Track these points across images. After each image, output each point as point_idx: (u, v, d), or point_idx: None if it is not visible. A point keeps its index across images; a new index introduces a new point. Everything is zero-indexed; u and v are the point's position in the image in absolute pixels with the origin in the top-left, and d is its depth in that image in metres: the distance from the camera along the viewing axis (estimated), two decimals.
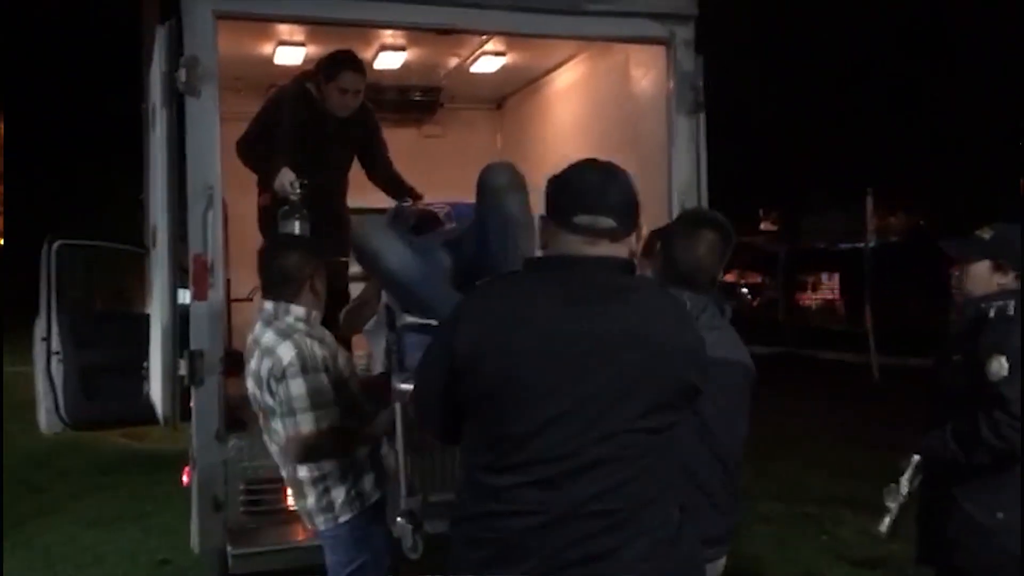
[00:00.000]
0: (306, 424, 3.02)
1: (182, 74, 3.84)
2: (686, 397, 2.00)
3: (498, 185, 3.26)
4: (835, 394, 12.19)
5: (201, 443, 3.90)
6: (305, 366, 3.02)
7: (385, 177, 5.21)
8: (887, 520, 3.01)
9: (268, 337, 3.10)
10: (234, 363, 4.28)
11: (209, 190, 3.88)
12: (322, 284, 3.27)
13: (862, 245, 14.89)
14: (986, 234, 3.06)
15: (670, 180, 4.52)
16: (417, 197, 4.98)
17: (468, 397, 1.94)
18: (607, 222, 1.97)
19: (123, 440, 8.72)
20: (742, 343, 2.77)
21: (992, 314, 2.88)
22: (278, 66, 5.58)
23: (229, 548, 3.83)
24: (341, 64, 4.76)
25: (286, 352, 3.02)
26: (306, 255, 3.24)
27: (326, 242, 4.49)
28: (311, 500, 3.16)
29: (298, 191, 4.35)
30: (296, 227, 4.30)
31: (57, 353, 6.28)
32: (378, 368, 3.64)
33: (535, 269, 2.09)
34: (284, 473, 3.28)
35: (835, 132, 18.88)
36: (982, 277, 3.02)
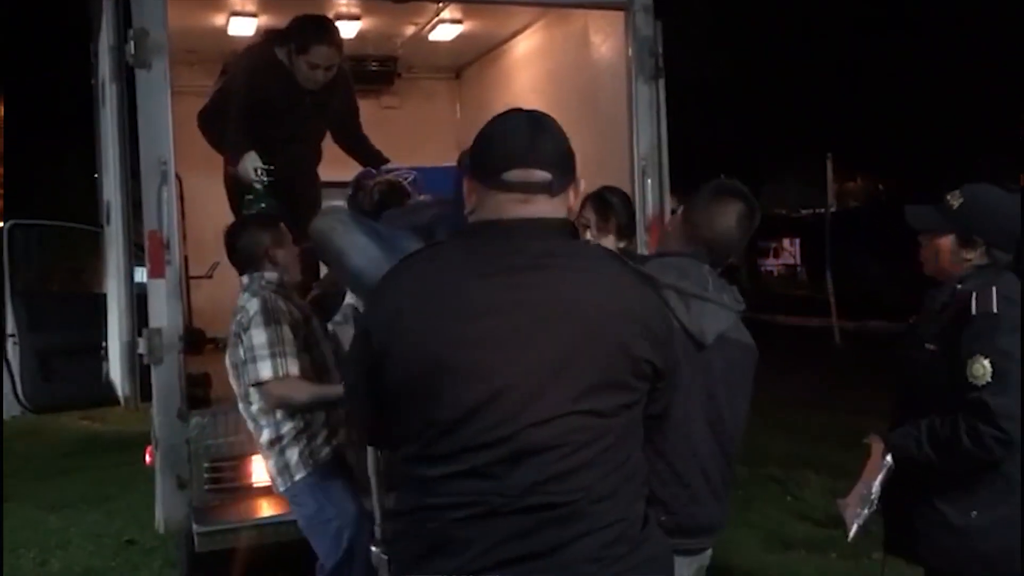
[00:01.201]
0: (266, 370, 3.22)
1: (131, 47, 3.74)
2: (640, 375, 1.76)
3: None
4: (797, 358, 12.35)
5: (163, 422, 3.84)
6: (268, 317, 3.25)
7: (355, 144, 4.96)
8: (856, 526, 2.74)
9: (242, 298, 3.40)
10: (194, 341, 4.23)
11: (163, 165, 3.79)
12: (282, 251, 3.49)
13: (823, 211, 15.04)
14: (955, 201, 2.71)
15: (631, 147, 4.51)
16: (383, 162, 4.74)
17: (391, 384, 1.75)
18: (542, 175, 1.76)
19: (83, 423, 8.65)
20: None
21: (974, 309, 2.57)
22: (231, 38, 5.47)
23: (194, 526, 3.80)
24: (314, 38, 4.40)
25: (252, 305, 3.30)
26: (256, 231, 3.49)
27: (298, 221, 4.40)
28: (271, 463, 3.38)
29: (264, 179, 4.19)
30: None
31: (12, 336, 6.18)
32: None
33: (462, 236, 1.85)
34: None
35: (794, 97, 18.97)
36: (948, 252, 2.72)
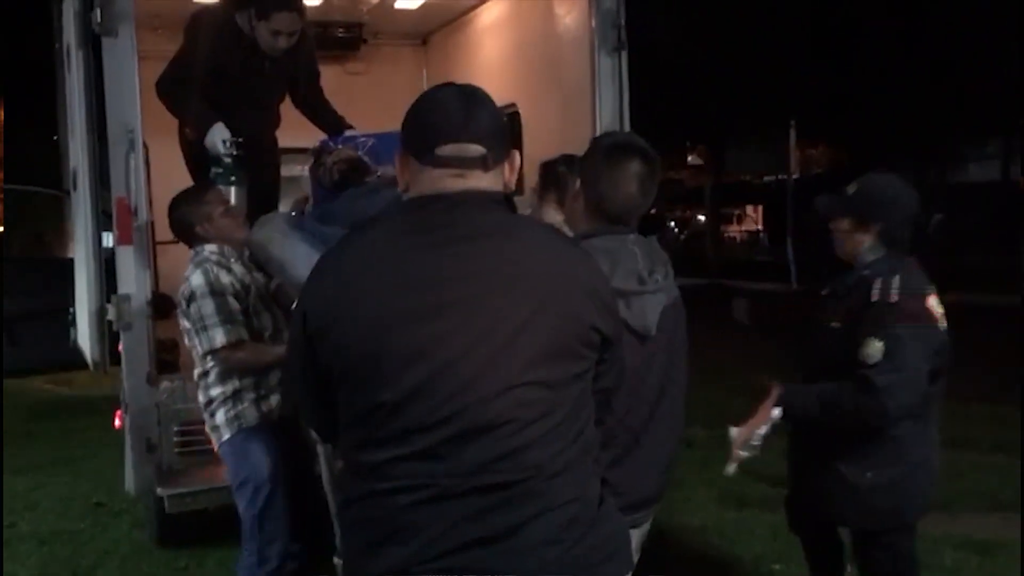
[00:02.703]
0: (219, 336, 3.34)
1: (97, 14, 3.73)
2: (588, 343, 1.74)
3: None
4: (758, 323, 12.57)
5: (132, 387, 3.91)
6: (213, 289, 3.37)
7: (316, 109, 4.89)
8: (734, 466, 3.03)
9: (188, 269, 3.49)
10: (162, 306, 4.28)
11: (130, 132, 3.80)
12: (210, 225, 3.51)
13: (785, 178, 15.23)
14: (851, 189, 3.03)
15: (594, 119, 4.56)
16: (345, 128, 4.68)
17: (331, 369, 1.71)
18: (476, 149, 1.74)
19: (49, 387, 8.63)
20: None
21: (875, 296, 2.83)
22: (195, 3, 5.43)
23: (164, 488, 3.90)
24: (275, 3, 4.24)
25: (196, 278, 3.40)
26: (187, 207, 3.55)
27: (258, 191, 4.41)
28: (207, 425, 3.53)
29: (233, 152, 4.15)
30: (231, 194, 4.16)
31: None
32: None
33: (402, 212, 1.80)
34: None
35: (757, 65, 19.06)
36: (846, 235, 3.01)
